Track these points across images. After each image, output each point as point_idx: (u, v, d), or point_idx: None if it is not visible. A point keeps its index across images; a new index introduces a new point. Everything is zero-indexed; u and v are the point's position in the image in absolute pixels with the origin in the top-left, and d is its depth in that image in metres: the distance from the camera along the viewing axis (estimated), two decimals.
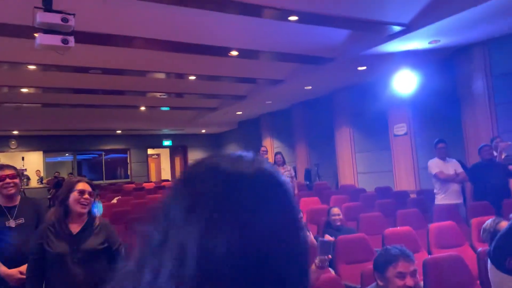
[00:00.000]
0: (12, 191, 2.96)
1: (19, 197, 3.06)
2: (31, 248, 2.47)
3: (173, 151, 17.63)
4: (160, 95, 9.59)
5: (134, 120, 12.59)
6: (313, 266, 2.14)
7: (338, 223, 4.63)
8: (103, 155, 16.46)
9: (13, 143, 14.16)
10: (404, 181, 8.60)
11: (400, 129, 8.75)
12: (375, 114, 9.18)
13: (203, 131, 16.29)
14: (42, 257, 2.40)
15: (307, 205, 6.40)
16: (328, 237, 2.03)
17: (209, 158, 0.57)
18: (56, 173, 14.20)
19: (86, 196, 2.50)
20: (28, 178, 14.62)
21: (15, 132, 13.65)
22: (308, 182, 11.47)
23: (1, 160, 15.01)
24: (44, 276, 2.41)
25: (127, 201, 7.77)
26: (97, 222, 2.54)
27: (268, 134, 13.39)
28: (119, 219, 6.20)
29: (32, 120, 11.67)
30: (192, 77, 8.20)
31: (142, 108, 11.05)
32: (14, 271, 2.73)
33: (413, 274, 2.12)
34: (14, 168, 3.11)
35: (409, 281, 2.10)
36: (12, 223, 2.88)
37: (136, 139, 16.02)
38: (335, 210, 4.74)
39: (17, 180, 3.01)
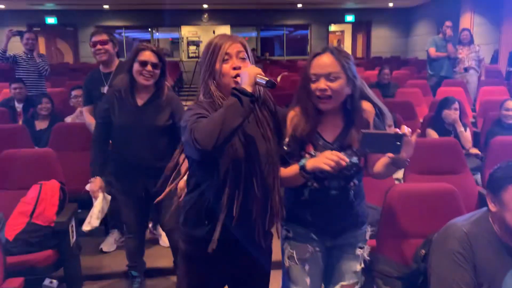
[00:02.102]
0: (103, 57, 2.97)
1: (115, 63, 3.05)
2: (98, 111, 2.45)
3: (356, 27, 16.41)
4: None
5: None
6: (386, 159, 1.53)
7: (510, 121, 3.60)
8: (284, 34, 16.43)
9: (205, 16, 15.16)
10: None
11: None
12: None
13: (391, 4, 14.49)
14: (108, 121, 2.36)
15: (485, 95, 5.19)
16: (404, 129, 1.37)
17: None
18: None
19: (149, 68, 2.28)
20: None
21: (205, 6, 14.50)
22: (511, 69, 9.35)
23: (198, 33, 16.47)
24: (109, 141, 2.41)
25: (289, 78, 7.64)
26: (164, 95, 2.35)
27: (469, 8, 11.07)
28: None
29: None
30: None
31: None
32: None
33: None
34: (108, 33, 3.03)
35: None
36: (105, 89, 2.91)
37: (318, 14, 15.27)
38: (510, 103, 3.66)
39: (107, 46, 2.96)
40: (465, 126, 3.65)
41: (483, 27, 10.43)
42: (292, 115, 1.63)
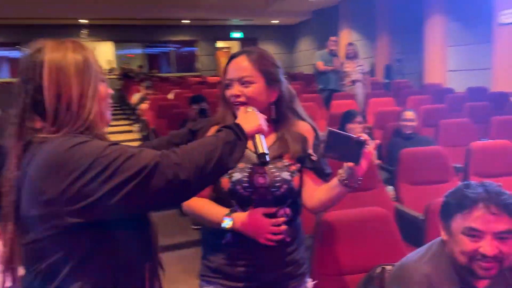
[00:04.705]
0: None
1: None
2: None
3: (243, 44, 16.67)
4: None
5: (199, 7, 11.68)
6: (335, 180, 1.29)
7: (409, 131, 3.67)
8: (171, 50, 16.01)
9: (84, 32, 14.04)
10: (505, 81, 7.04)
11: (508, 16, 7.00)
12: None
13: (275, 21, 14.97)
14: None
15: (376, 107, 5.38)
16: (364, 136, 1.14)
17: None
18: (125, 65, 14.16)
19: None
20: None
21: (84, 21, 13.45)
22: (387, 80, 10.13)
23: None
24: None
25: (181, 95, 7.26)
26: None
27: (347, 25, 11.88)
28: (163, 112, 5.72)
29: (100, 7, 11.21)
30: None
31: None
32: None
33: (500, 236, 1.18)
34: None
35: (486, 246, 1.14)
36: None
37: (204, 30, 15.19)
38: (408, 114, 3.75)
39: None
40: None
41: (360, 43, 11.18)
42: (215, 129, 1.33)
